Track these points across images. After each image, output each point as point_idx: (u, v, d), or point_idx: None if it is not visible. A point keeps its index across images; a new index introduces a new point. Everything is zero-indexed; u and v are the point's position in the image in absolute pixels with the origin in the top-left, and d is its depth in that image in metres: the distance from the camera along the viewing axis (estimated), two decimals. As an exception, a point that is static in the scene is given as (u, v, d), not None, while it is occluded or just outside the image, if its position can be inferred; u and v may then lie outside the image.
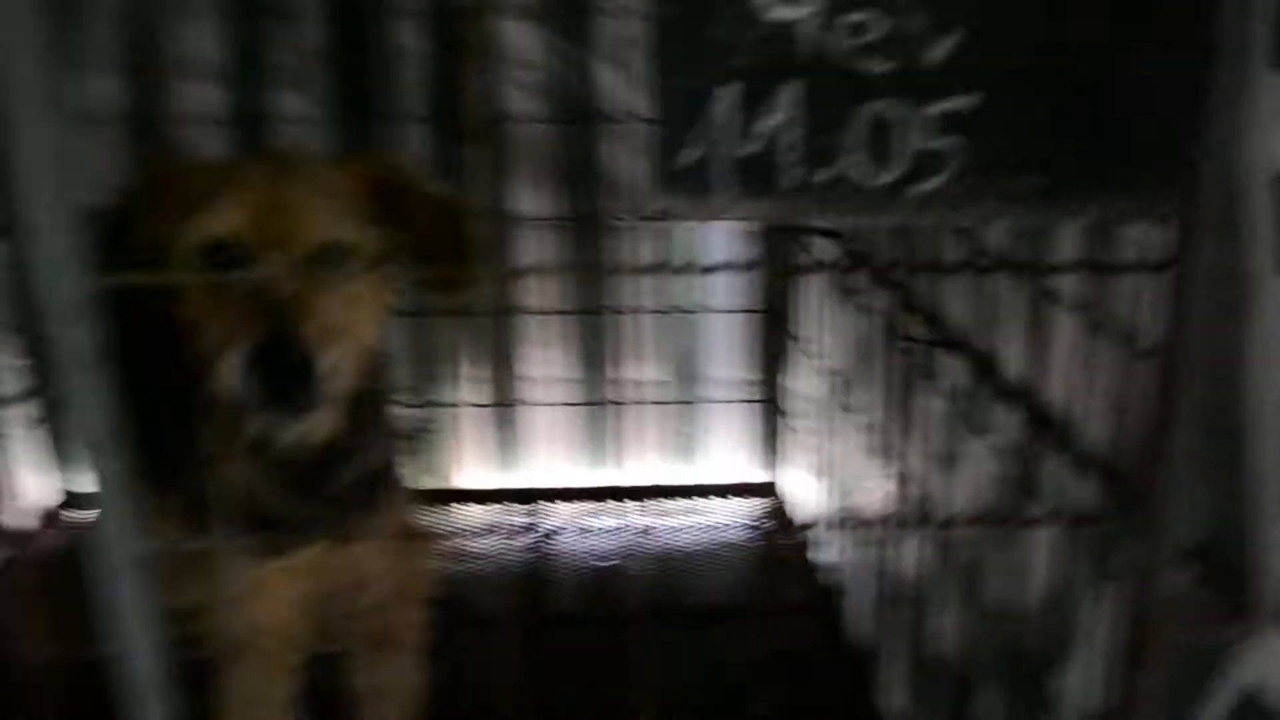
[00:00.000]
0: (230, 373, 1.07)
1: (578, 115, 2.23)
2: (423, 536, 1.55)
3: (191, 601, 1.16)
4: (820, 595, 2.10)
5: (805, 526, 2.29)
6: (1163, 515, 0.80)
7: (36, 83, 0.68)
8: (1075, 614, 1.16)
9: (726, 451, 2.51)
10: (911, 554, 1.65)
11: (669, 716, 1.26)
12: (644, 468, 2.46)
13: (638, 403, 2.39)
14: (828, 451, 2.10)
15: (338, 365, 1.12)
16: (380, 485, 1.33)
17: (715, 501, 2.49)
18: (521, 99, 2.22)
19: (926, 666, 1.59)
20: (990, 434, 1.37)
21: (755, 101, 0.76)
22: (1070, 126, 0.78)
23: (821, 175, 0.77)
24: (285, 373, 1.07)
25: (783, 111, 0.76)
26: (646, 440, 2.45)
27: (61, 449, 2.29)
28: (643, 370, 2.39)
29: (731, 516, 2.43)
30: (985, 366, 1.38)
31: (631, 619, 2.02)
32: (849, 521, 1.93)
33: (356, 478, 1.27)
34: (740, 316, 2.39)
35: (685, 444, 2.49)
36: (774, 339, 2.38)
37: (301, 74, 2.19)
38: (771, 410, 2.41)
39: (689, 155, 0.77)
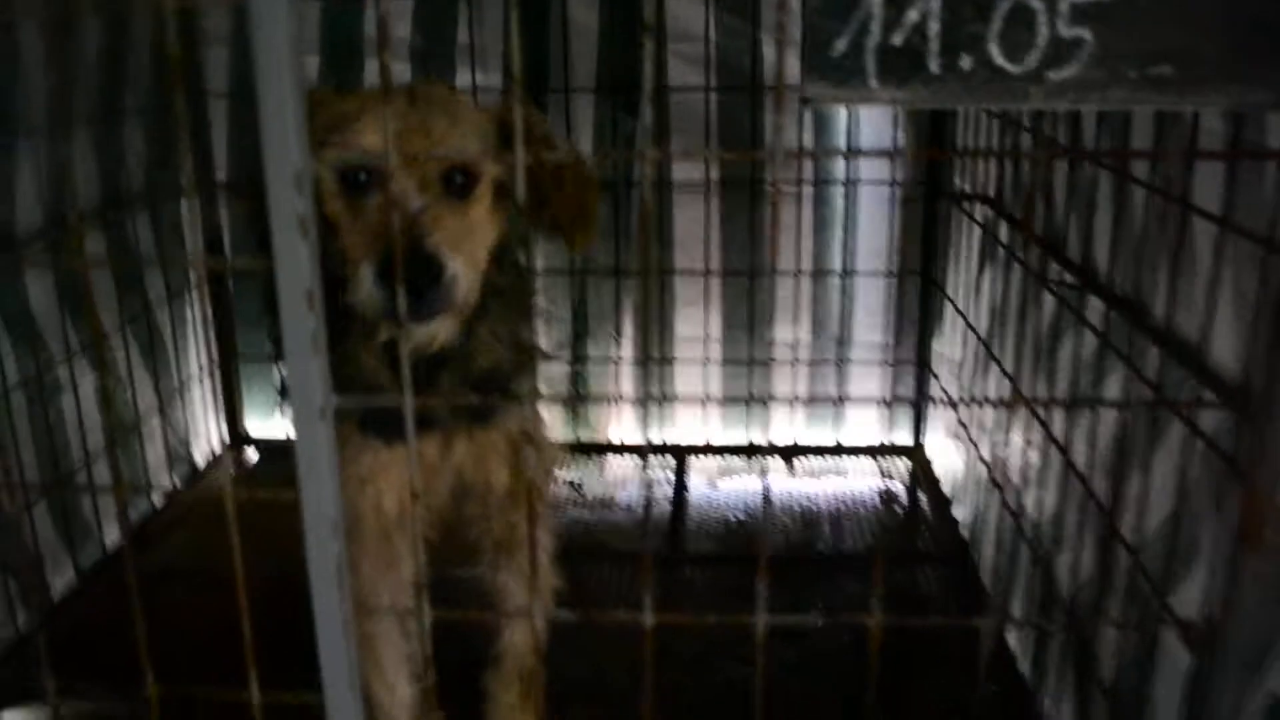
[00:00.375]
0: (365, 281, 1.18)
1: (740, 84, 2.33)
2: (542, 445, 1.61)
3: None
4: (957, 547, 2.15)
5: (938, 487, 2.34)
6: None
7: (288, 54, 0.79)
8: (1196, 531, 1.20)
9: (871, 413, 2.56)
10: (1045, 498, 1.69)
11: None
12: (790, 427, 2.54)
13: (791, 361, 2.45)
14: (971, 410, 2.14)
15: (460, 275, 1.21)
16: (496, 391, 1.43)
17: (860, 460, 2.55)
18: (685, 70, 2.32)
19: (1052, 604, 1.63)
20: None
21: (904, -7, 0.84)
22: (1197, 18, 0.84)
23: (965, 62, 0.85)
24: (415, 280, 1.16)
25: (929, 1, 0.84)
26: (795, 400, 2.53)
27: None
28: (794, 332, 2.47)
29: (874, 476, 2.49)
30: (1128, 306, 1.42)
31: (767, 561, 2.11)
32: (992, 470, 1.97)
33: (472, 379, 1.38)
34: (888, 280, 2.44)
35: (831, 406, 2.56)
36: (924, 301, 2.42)
37: (483, 50, 2.35)
38: (922, 372, 2.45)
39: (841, 44, 0.86)
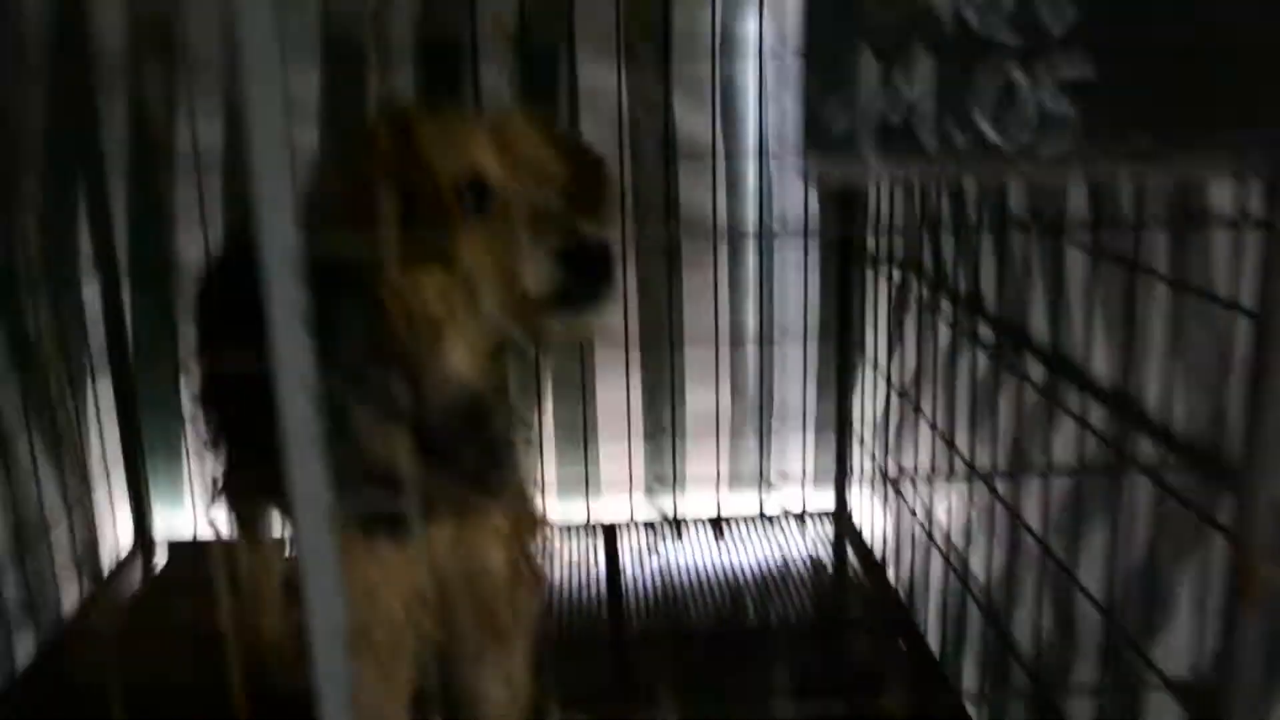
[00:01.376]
0: (540, 270, 1.16)
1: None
2: (537, 522, 1.53)
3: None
4: (895, 610, 2.16)
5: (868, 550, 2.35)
6: (1261, 468, 0.87)
7: (270, 71, 0.76)
8: (1174, 583, 1.23)
9: (796, 478, 2.58)
10: (985, 558, 1.71)
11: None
12: (712, 497, 2.54)
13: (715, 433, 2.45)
14: (898, 468, 2.17)
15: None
16: (505, 461, 1.39)
17: (785, 528, 2.55)
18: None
19: (1004, 663, 1.64)
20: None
21: (898, 73, 0.86)
22: (1172, 90, 0.87)
23: (959, 139, 0.87)
24: (596, 254, 1.17)
25: (924, 81, 0.86)
26: (717, 468, 2.53)
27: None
28: (711, 399, 2.47)
29: (803, 541, 2.49)
30: (1066, 366, 1.46)
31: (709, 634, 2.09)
32: (925, 528, 1.99)
33: (491, 447, 1.34)
34: (806, 344, 2.47)
35: (754, 473, 2.57)
36: (841, 364, 2.45)
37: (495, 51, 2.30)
38: (843, 436, 2.47)
39: (841, 123, 0.87)
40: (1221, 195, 1.13)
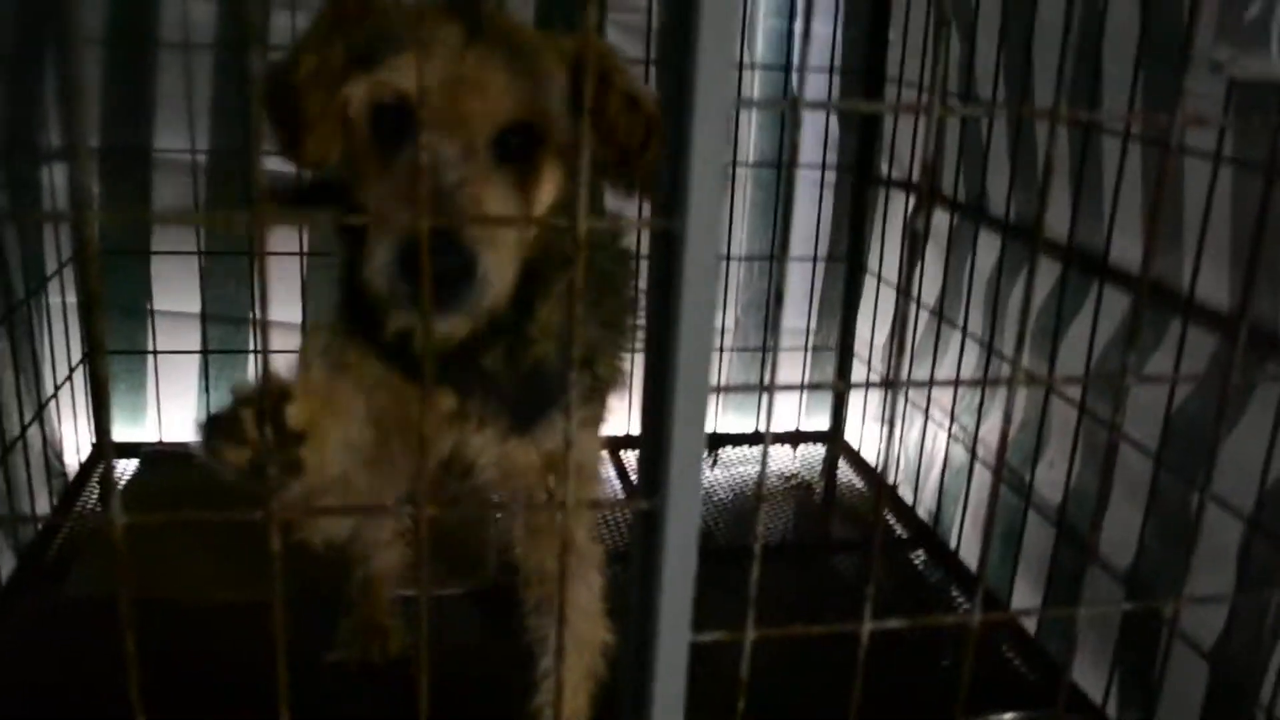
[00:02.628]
0: (380, 264, 0.98)
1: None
2: (586, 472, 1.35)
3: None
4: (918, 530, 2.19)
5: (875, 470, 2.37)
6: None
7: None
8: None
9: (792, 400, 2.56)
10: (1063, 470, 1.74)
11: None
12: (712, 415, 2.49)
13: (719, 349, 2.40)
14: (926, 393, 2.18)
15: (493, 274, 1.00)
16: (544, 392, 1.22)
17: (781, 449, 2.54)
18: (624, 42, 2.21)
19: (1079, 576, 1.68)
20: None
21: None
22: None
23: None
24: (439, 274, 0.96)
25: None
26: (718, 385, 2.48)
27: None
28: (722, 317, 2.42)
29: (799, 463, 2.50)
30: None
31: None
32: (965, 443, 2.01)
33: (521, 368, 1.19)
34: (812, 266, 2.44)
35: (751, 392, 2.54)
36: (849, 287, 2.44)
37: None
38: (845, 357, 2.47)
39: (1251, 11, 0.82)
40: None
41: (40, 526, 1.90)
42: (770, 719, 0.92)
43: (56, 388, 2.01)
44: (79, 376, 2.10)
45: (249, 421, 0.90)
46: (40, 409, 1.92)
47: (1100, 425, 1.64)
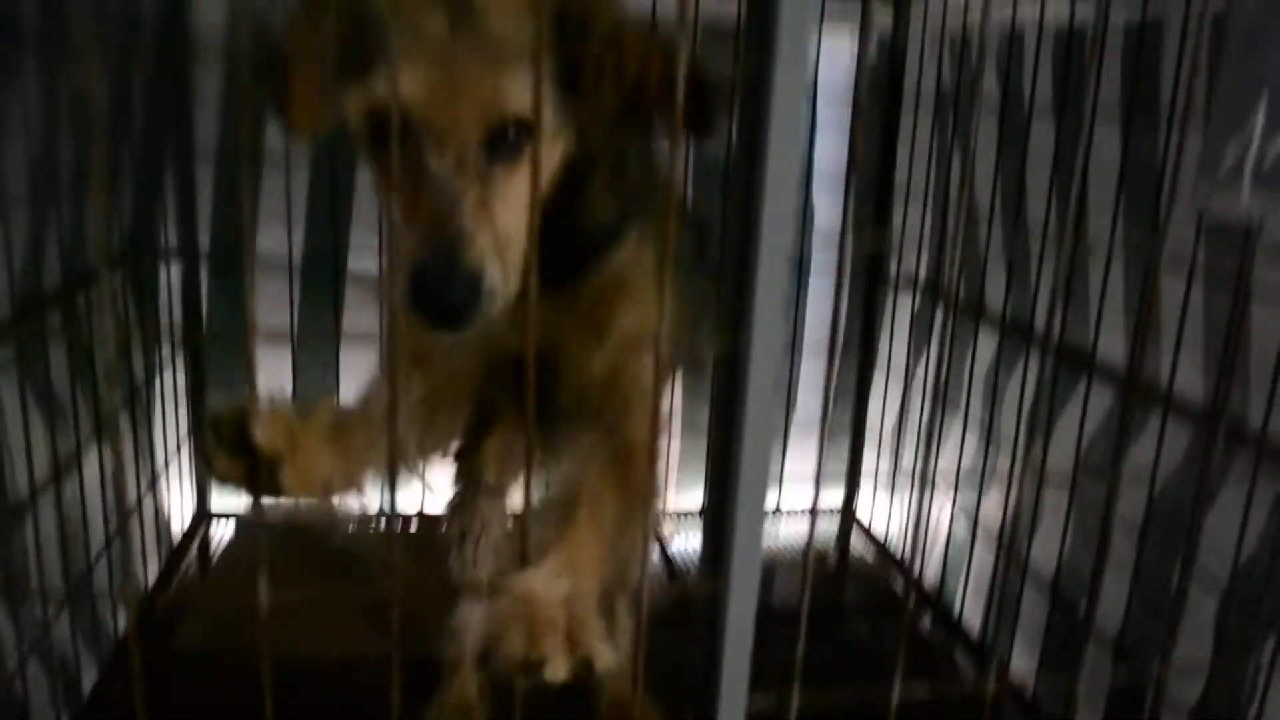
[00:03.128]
0: (397, 293, 1.00)
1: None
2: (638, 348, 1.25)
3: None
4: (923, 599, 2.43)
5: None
6: None
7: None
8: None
9: (807, 479, 2.81)
10: (1055, 550, 1.97)
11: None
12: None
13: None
14: (920, 467, 2.44)
15: (499, 287, 1.02)
16: (599, 245, 1.22)
17: (797, 521, 2.79)
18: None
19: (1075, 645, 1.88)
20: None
21: None
22: None
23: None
24: (445, 307, 1.00)
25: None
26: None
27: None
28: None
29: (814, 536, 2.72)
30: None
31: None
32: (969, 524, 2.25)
33: (580, 240, 1.20)
34: (823, 349, 2.72)
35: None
36: (860, 376, 2.72)
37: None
38: (856, 440, 2.74)
39: (1228, 160, 1.11)
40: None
41: (151, 586, 2.11)
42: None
43: (165, 462, 2.23)
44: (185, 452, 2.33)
45: (211, 441, 0.97)
46: (153, 480, 2.14)
47: (1091, 506, 1.89)
